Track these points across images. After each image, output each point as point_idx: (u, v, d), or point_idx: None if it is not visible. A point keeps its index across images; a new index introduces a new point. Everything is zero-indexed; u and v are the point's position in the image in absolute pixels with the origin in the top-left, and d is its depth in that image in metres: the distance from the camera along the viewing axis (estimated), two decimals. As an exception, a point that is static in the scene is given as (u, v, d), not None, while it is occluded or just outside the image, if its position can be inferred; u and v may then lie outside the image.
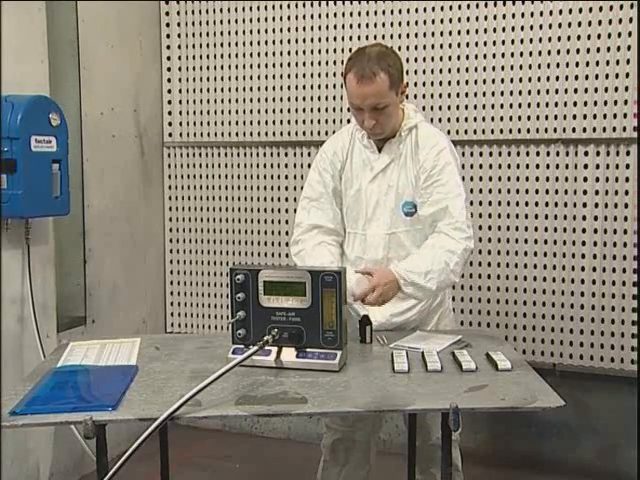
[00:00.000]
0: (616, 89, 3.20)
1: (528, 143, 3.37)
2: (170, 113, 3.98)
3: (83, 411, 1.66)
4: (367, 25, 3.56)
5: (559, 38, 3.27)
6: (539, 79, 3.32)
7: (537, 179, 3.37)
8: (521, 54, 3.34)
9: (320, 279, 1.97)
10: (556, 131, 3.31)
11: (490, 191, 3.45)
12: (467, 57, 3.42)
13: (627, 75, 3.18)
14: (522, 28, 3.32)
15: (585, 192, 3.30)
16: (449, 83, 3.46)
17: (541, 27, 3.29)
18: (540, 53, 3.31)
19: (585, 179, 3.30)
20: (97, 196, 3.52)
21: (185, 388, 1.77)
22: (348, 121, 3.26)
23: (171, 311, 4.09)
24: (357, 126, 2.43)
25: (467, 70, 3.42)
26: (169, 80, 3.97)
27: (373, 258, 2.41)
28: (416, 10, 3.47)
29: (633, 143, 3.19)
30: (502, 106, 3.39)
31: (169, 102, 3.98)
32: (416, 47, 3.49)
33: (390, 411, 1.93)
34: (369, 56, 2.25)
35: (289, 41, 3.71)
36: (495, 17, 3.36)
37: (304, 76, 3.70)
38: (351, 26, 3.59)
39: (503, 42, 3.36)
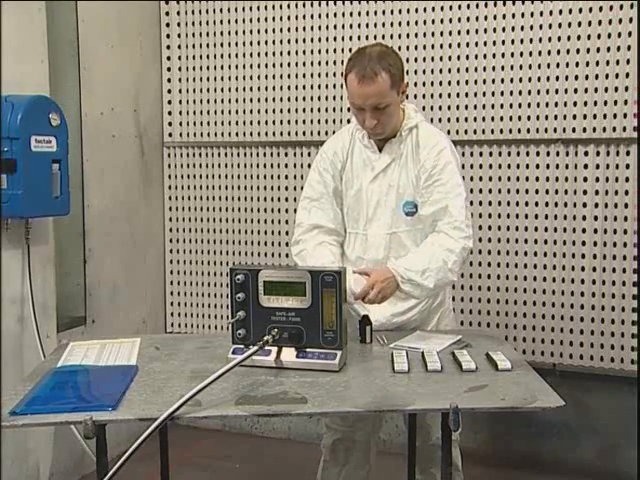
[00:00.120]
0: (616, 89, 3.20)
1: (528, 143, 3.37)
2: (170, 113, 3.98)
3: (83, 411, 1.66)
4: (367, 25, 3.56)
5: (559, 38, 3.27)
6: (539, 79, 3.32)
7: (537, 179, 3.37)
8: (521, 54, 3.34)
9: (320, 279, 1.97)
10: (556, 131, 3.31)
11: (490, 191, 3.45)
12: (467, 57, 3.42)
13: (627, 75, 3.18)
14: (522, 28, 3.32)
15: (585, 192, 3.30)
16: (449, 83, 3.46)
17: (541, 27, 3.29)
18: (540, 53, 3.31)
19: (585, 179, 3.30)
20: (97, 196, 3.51)
21: (185, 388, 1.77)
22: (348, 121, 3.26)
23: (171, 311, 4.09)
24: (357, 126, 2.43)
25: (467, 70, 3.42)
26: (169, 80, 3.97)
27: (374, 258, 2.41)
28: (416, 10, 3.47)
29: (633, 143, 3.19)
30: (502, 106, 3.39)
31: (169, 102, 3.98)
32: (416, 47, 3.48)
33: (390, 411, 1.93)
34: (370, 56, 2.25)
35: (289, 41, 3.71)
36: (495, 17, 3.36)
37: (304, 76, 3.70)
38: (351, 26, 3.59)
39: (503, 42, 3.36)
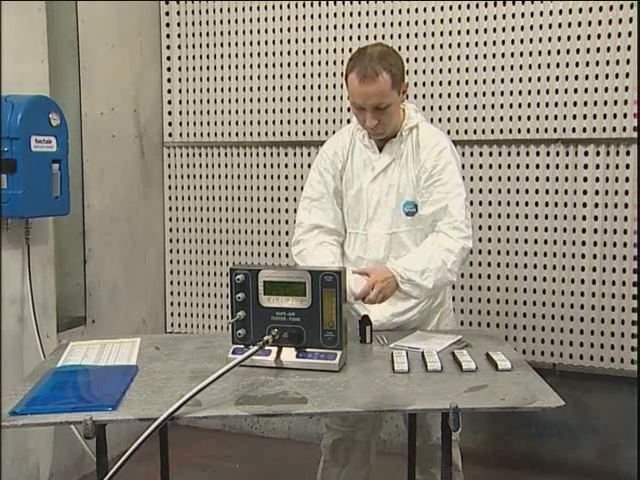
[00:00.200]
0: (616, 89, 3.20)
1: (528, 143, 3.37)
2: (170, 113, 3.98)
3: (83, 411, 1.66)
4: (367, 25, 3.56)
5: (559, 38, 3.27)
6: (539, 79, 3.32)
7: (537, 179, 3.37)
8: (521, 54, 3.34)
9: (320, 279, 1.97)
10: (556, 131, 3.31)
11: (490, 191, 3.45)
12: (467, 57, 3.42)
13: (627, 75, 3.18)
14: (522, 28, 3.32)
15: (585, 192, 3.30)
16: (449, 83, 3.46)
17: (541, 27, 3.29)
18: (540, 53, 3.31)
19: (585, 179, 3.30)
20: (97, 196, 3.51)
21: (185, 388, 1.77)
22: (348, 121, 3.26)
23: (171, 311, 4.09)
24: (358, 126, 2.43)
25: (467, 70, 3.42)
26: (169, 80, 3.97)
27: (374, 258, 2.41)
28: (416, 10, 3.47)
29: (633, 143, 3.19)
30: (502, 106, 3.39)
31: (169, 102, 3.98)
32: (416, 47, 3.48)
33: (390, 411, 1.93)
34: (371, 56, 2.25)
35: (289, 41, 3.71)
36: (495, 17, 3.36)
37: (304, 76, 3.70)
38: (351, 26, 3.59)
39: (503, 42, 3.36)
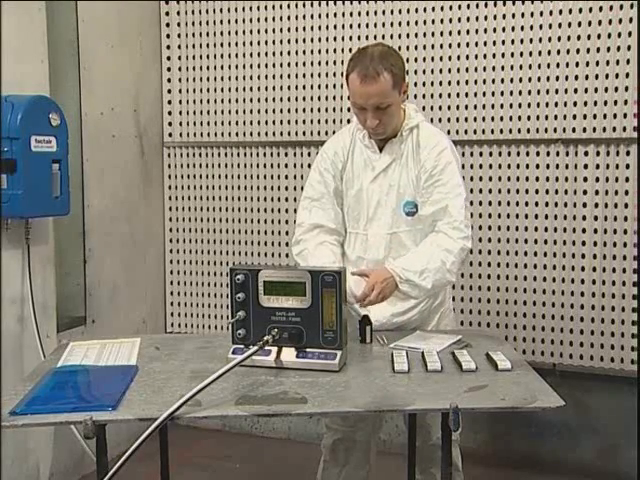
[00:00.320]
0: (616, 89, 3.20)
1: (528, 143, 3.37)
2: (170, 113, 3.98)
3: (83, 411, 1.66)
4: (367, 25, 3.56)
5: (559, 38, 3.27)
6: (539, 79, 3.32)
7: (537, 179, 3.37)
8: (521, 54, 3.34)
9: (320, 279, 1.97)
10: (556, 131, 3.31)
11: (490, 191, 3.45)
12: (467, 57, 3.42)
13: (627, 75, 3.18)
14: (522, 28, 3.32)
15: (585, 192, 3.30)
16: (449, 83, 3.46)
17: (541, 27, 3.29)
18: (540, 53, 3.31)
19: (585, 179, 3.30)
20: (97, 196, 3.51)
21: (185, 388, 1.77)
22: (348, 121, 3.26)
23: (171, 311, 4.09)
24: (358, 126, 2.43)
25: (467, 70, 3.42)
26: (169, 80, 3.97)
27: (374, 258, 2.41)
28: (416, 10, 3.47)
29: (633, 143, 3.19)
30: (502, 106, 3.39)
31: (169, 102, 3.98)
32: (416, 47, 3.48)
33: (390, 411, 1.93)
34: (372, 56, 2.25)
35: (289, 41, 3.71)
36: (495, 17, 3.36)
37: (304, 76, 3.70)
38: (351, 26, 3.59)
39: (503, 42, 3.36)
